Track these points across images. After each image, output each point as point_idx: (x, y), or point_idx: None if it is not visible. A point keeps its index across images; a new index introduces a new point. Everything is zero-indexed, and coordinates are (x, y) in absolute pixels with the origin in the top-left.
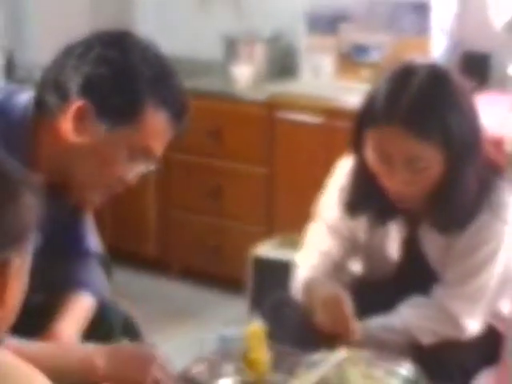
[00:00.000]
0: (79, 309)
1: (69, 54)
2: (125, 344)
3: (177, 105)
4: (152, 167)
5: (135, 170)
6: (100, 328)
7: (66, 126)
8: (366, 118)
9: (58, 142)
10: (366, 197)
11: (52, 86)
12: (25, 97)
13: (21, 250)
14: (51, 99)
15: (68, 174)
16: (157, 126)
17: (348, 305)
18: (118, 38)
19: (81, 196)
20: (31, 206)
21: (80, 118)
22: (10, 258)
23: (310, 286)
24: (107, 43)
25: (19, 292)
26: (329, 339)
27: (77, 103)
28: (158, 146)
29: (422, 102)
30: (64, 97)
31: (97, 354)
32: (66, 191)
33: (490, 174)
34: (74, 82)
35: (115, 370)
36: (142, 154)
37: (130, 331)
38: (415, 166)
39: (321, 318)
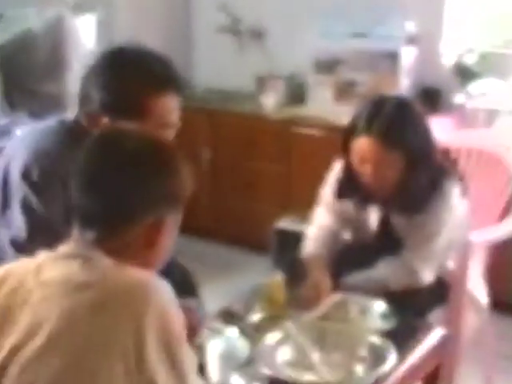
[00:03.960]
0: None
1: (87, 79)
2: None
3: (173, 82)
4: (179, 123)
5: (168, 134)
6: None
7: None
8: (351, 132)
9: None
10: (351, 187)
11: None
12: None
13: (176, 211)
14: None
15: None
16: (166, 107)
17: (326, 288)
18: (111, 64)
19: None
20: (187, 180)
21: None
22: (166, 217)
23: (310, 262)
24: (104, 71)
25: (168, 246)
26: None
27: (103, 120)
28: (175, 116)
29: (390, 123)
30: (91, 113)
31: None
32: None
33: (440, 174)
34: (95, 104)
35: None
36: (166, 127)
37: (188, 283)
38: (383, 166)
39: (305, 293)
